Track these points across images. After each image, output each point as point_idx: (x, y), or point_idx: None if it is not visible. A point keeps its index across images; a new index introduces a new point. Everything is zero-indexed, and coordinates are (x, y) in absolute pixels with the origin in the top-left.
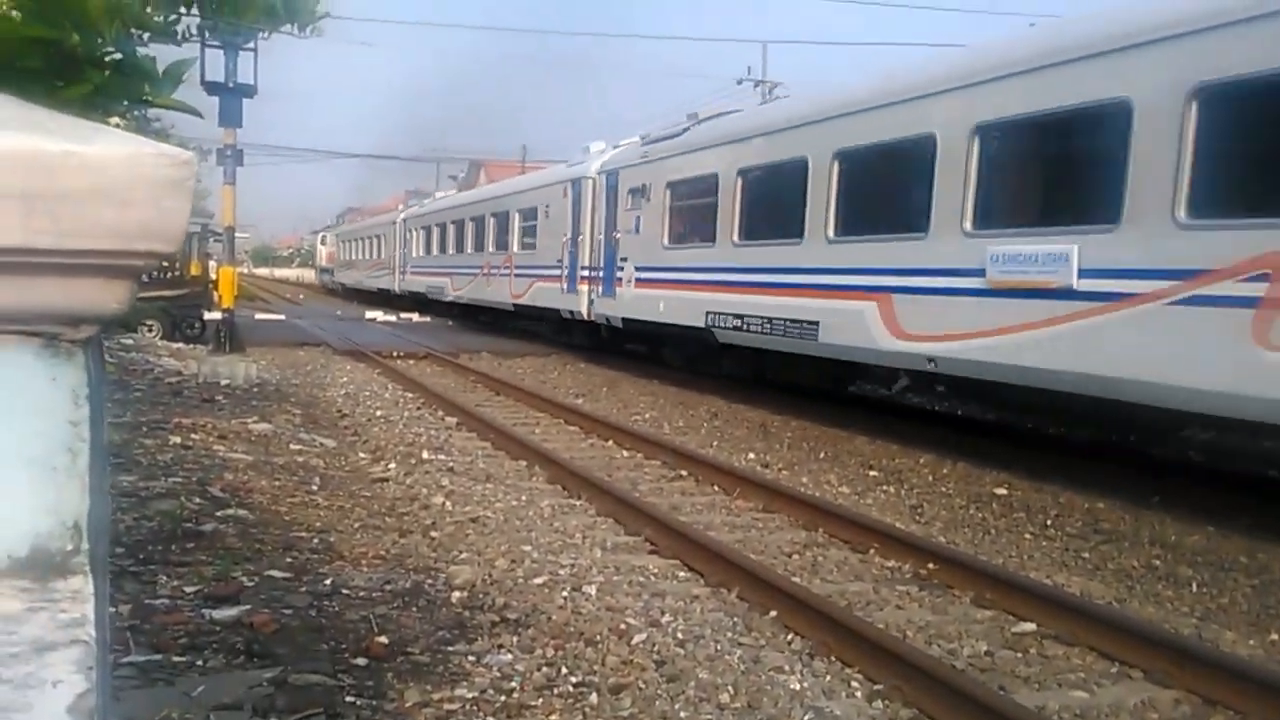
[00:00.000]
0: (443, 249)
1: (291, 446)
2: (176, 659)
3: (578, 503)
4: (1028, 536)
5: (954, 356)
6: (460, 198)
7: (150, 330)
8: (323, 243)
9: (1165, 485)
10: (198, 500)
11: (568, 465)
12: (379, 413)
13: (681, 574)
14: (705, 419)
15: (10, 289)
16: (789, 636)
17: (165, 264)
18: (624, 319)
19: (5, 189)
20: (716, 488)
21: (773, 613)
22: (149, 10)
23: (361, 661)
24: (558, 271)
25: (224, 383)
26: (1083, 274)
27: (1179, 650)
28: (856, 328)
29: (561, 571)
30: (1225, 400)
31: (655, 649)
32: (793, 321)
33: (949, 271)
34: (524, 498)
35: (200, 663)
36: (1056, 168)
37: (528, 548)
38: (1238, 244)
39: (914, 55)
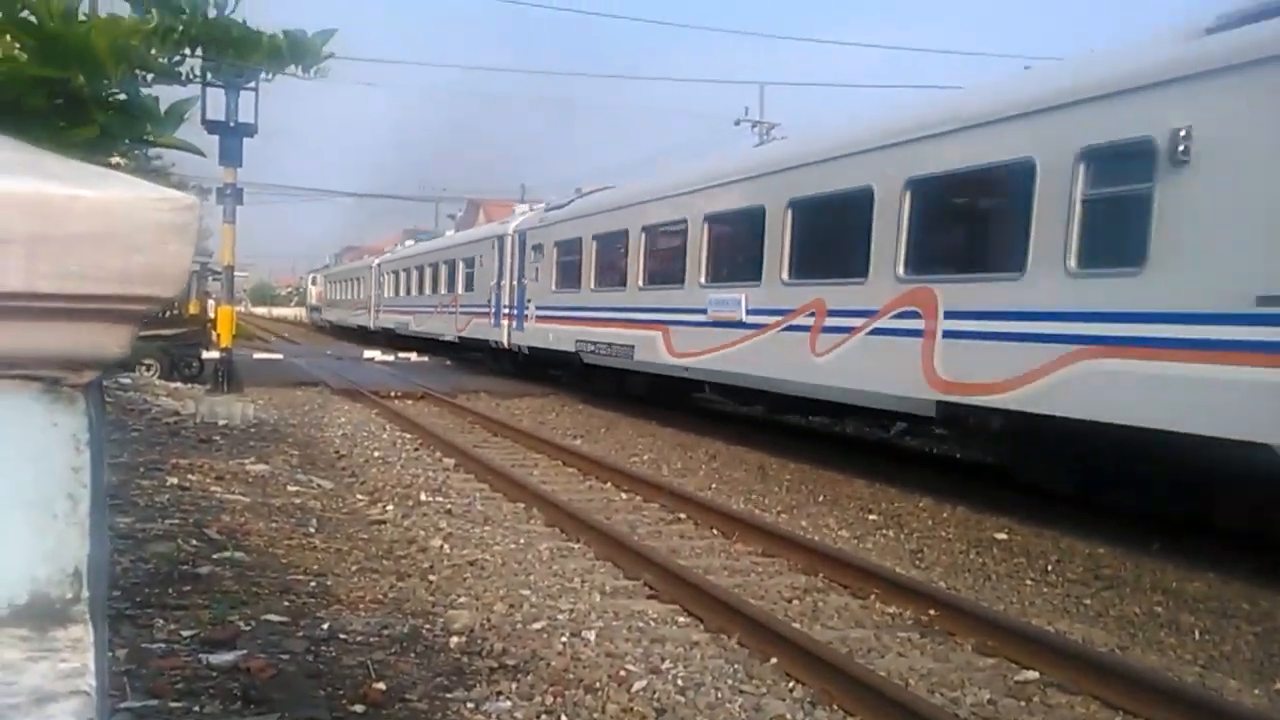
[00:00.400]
0: (408, 291)
1: (289, 488)
2: (173, 704)
3: (576, 546)
4: (1029, 582)
5: (697, 366)
6: (420, 247)
7: (148, 369)
8: (313, 283)
9: (1165, 531)
10: (194, 542)
11: (566, 508)
12: (377, 454)
13: (681, 619)
14: (704, 461)
15: (12, 333)
16: (790, 684)
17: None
18: (529, 347)
19: (8, 233)
20: (715, 531)
21: (773, 659)
22: (154, 52)
23: (359, 708)
24: (488, 310)
25: (221, 423)
26: (748, 312)
27: (1183, 699)
28: (652, 349)
29: (560, 616)
30: (802, 386)
31: (655, 696)
32: (621, 345)
33: (693, 310)
34: (522, 540)
35: (197, 709)
36: (738, 246)
37: (526, 592)
38: (803, 294)
39: (902, 96)
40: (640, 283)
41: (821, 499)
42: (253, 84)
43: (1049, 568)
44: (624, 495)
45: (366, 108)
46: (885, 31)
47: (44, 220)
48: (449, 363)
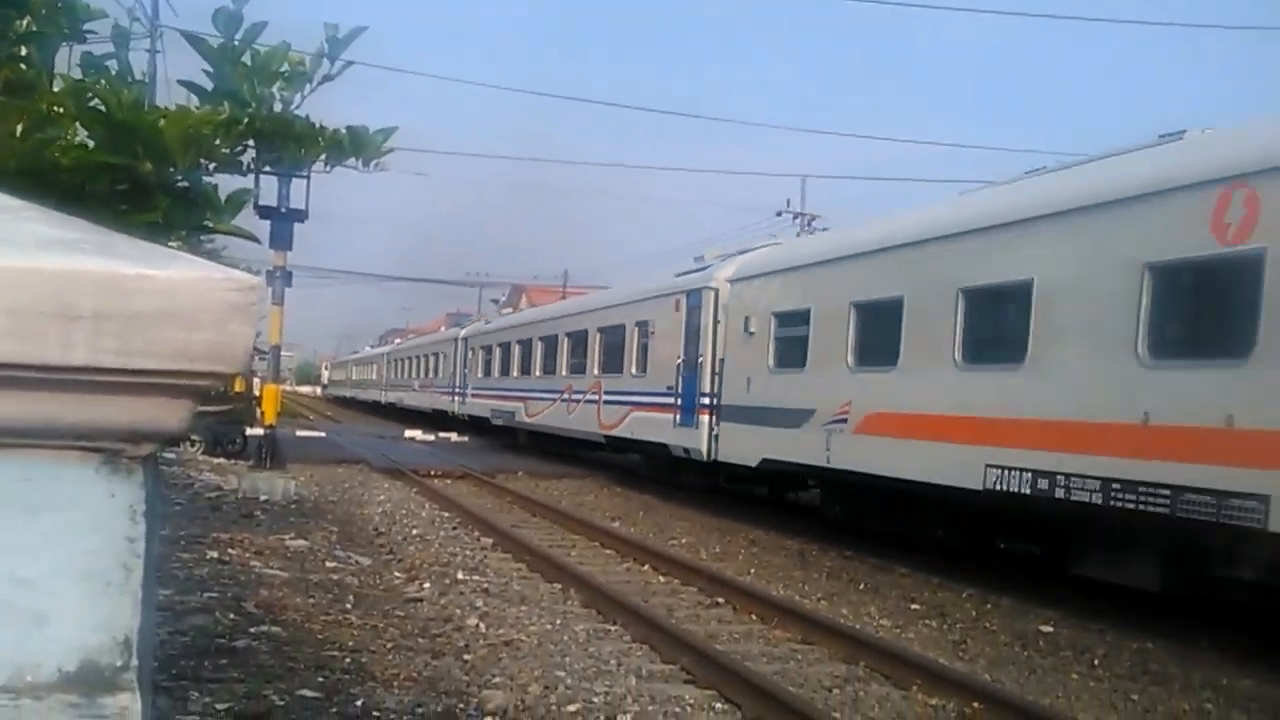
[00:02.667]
0: (365, 376)
1: (327, 564)
2: None
3: (613, 628)
4: (1075, 677)
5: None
6: (376, 350)
7: (192, 445)
8: (325, 369)
9: (1215, 627)
10: (232, 616)
11: (604, 589)
12: (415, 531)
13: (719, 705)
14: (743, 545)
15: (75, 406)
16: None
17: None
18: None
19: (76, 309)
20: (754, 616)
21: None
22: (219, 142)
23: None
24: (446, 388)
25: (263, 498)
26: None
27: None
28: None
29: (596, 699)
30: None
31: None
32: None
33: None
34: (559, 621)
35: None
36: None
37: (561, 673)
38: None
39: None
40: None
41: (863, 587)
42: (305, 173)
43: (1096, 662)
44: (662, 578)
45: (414, 192)
46: (935, 126)
47: (111, 297)
48: (486, 443)
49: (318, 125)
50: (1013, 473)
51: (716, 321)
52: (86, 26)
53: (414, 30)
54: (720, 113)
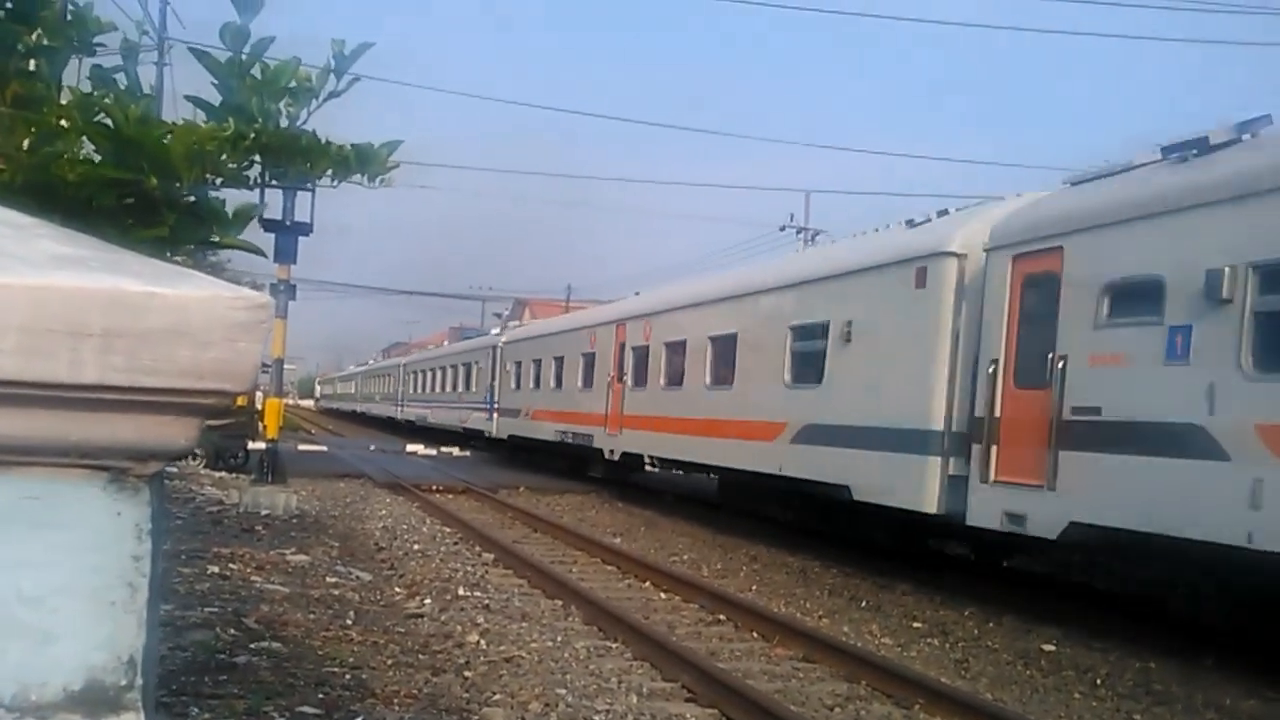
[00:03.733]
0: (350, 390)
1: (328, 579)
2: None
3: (614, 645)
4: (1078, 696)
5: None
6: (354, 369)
7: (194, 459)
8: (319, 383)
9: (1219, 646)
10: (232, 631)
11: (604, 606)
12: (416, 547)
13: None
14: (745, 562)
15: (84, 424)
16: None
17: None
18: (409, 419)
19: (85, 327)
20: (755, 634)
21: None
22: (225, 158)
23: None
24: (394, 399)
25: (264, 513)
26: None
27: None
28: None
29: (596, 717)
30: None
31: None
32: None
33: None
34: (559, 638)
35: None
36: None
37: (562, 691)
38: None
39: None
40: (451, 390)
41: (864, 604)
42: (310, 186)
43: (1098, 681)
44: (663, 595)
45: (419, 205)
46: (942, 142)
47: (121, 315)
48: (488, 457)
49: (324, 141)
50: (561, 432)
51: (500, 363)
52: (96, 40)
53: (413, 43)
54: (724, 127)
